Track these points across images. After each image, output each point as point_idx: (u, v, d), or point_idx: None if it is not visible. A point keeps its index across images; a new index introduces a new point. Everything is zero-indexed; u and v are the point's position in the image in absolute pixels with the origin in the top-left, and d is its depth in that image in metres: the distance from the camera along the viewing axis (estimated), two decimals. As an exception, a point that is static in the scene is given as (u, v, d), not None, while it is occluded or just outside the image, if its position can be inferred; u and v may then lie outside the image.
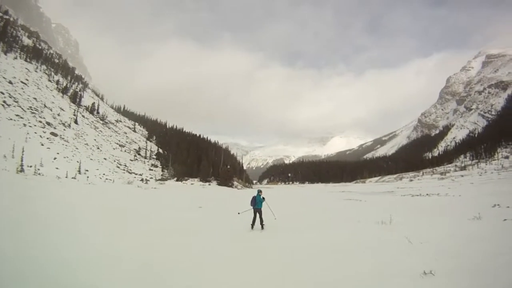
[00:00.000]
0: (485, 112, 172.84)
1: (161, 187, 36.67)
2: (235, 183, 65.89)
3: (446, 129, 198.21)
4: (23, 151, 26.41)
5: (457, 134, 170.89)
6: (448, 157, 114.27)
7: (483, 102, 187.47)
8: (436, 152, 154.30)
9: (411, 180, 79.28)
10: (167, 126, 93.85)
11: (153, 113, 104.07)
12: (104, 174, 38.54)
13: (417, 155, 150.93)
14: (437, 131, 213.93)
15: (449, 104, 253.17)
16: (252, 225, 9.11)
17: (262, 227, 9.04)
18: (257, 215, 9.05)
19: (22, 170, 25.22)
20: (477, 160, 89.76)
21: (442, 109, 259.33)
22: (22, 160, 25.70)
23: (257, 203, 9.07)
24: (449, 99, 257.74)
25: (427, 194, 26.89)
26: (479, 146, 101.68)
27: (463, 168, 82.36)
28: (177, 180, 52.68)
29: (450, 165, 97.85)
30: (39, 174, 27.81)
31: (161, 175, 54.52)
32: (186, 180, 54.01)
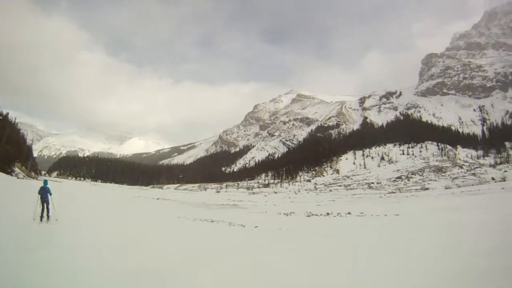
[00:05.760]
0: (286, 140, 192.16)
1: None
2: (17, 169, 45.22)
3: (246, 148, 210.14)
4: None
5: (257, 155, 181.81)
6: (249, 173, 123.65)
7: (286, 131, 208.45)
8: (234, 168, 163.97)
9: (218, 192, 78.78)
10: None
11: None
12: None
13: (216, 169, 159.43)
14: (237, 149, 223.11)
15: (251, 128, 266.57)
16: (41, 217, 8.82)
17: (48, 218, 8.93)
18: (45, 205, 8.95)
19: None
20: (279, 180, 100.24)
21: (245, 131, 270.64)
22: None
23: (44, 194, 8.99)
24: (253, 123, 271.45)
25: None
26: (281, 168, 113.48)
27: (267, 185, 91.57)
28: None
29: (252, 181, 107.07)
30: None
31: None
32: None
